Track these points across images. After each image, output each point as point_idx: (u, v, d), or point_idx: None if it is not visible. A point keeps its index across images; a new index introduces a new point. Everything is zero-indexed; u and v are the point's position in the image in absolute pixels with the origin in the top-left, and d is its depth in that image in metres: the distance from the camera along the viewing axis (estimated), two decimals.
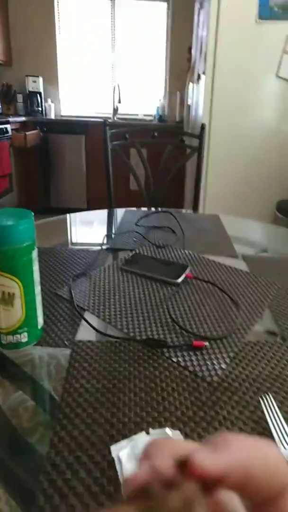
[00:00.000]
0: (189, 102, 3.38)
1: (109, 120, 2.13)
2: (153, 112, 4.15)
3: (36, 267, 0.54)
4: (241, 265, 0.86)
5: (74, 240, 1.02)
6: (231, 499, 0.17)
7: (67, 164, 3.79)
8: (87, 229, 1.16)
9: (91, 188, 3.79)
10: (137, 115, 4.23)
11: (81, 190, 3.81)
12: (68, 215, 1.20)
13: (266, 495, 0.16)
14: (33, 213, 0.53)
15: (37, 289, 0.55)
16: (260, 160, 2.59)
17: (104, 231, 1.11)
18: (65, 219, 1.17)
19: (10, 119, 3.36)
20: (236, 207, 2.62)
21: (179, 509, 0.13)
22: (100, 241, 0.98)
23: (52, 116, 4.00)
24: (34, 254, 0.54)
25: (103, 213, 1.27)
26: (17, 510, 0.34)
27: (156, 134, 1.64)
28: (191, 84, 3.27)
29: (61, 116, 4.16)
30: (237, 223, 1.21)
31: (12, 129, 3.32)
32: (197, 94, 2.90)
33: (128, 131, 1.62)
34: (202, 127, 1.60)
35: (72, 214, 1.21)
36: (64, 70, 4.09)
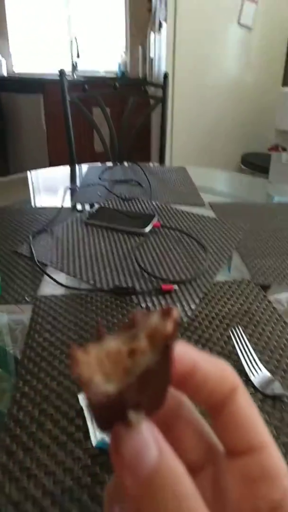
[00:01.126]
0: (151, 55, 3.21)
1: (68, 77, 1.98)
2: (115, 68, 3.92)
3: None
4: (209, 213, 0.83)
5: (34, 198, 0.96)
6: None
7: (25, 126, 3.55)
8: (48, 186, 1.09)
9: (53, 153, 3.60)
10: (98, 72, 3.98)
11: (43, 154, 3.61)
12: (28, 172, 1.12)
13: (217, 398, 0.15)
14: None
15: None
16: (224, 112, 2.52)
17: (62, 189, 1.05)
18: (25, 178, 1.10)
19: None
20: (202, 160, 2.56)
21: (157, 322, 0.13)
22: (58, 199, 0.92)
23: (4, 73, 3.70)
24: None
25: (64, 170, 1.20)
26: None
27: (117, 84, 1.54)
28: (152, 34, 3.08)
29: (14, 72, 3.86)
30: (204, 173, 1.18)
31: None
32: (159, 47, 2.75)
33: (88, 82, 1.51)
34: (165, 75, 1.52)
35: (33, 172, 1.13)
36: (14, 22, 3.75)
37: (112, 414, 0.12)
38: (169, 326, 0.12)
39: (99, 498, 0.28)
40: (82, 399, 0.36)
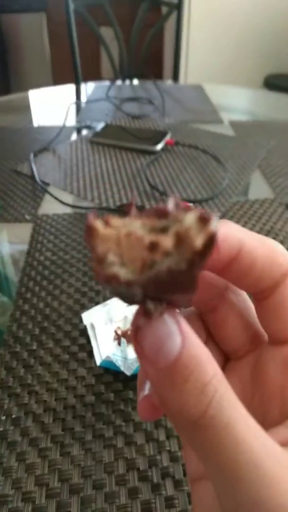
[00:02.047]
0: None
1: None
2: None
3: None
4: (228, 132, 0.74)
5: (35, 117, 0.87)
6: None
7: (28, 47, 3.27)
8: (51, 105, 1.00)
9: (58, 74, 3.34)
10: None
11: (47, 76, 3.35)
12: (29, 91, 1.02)
13: (265, 283, 0.13)
14: None
15: None
16: (248, 25, 2.23)
17: (65, 107, 0.96)
18: (27, 97, 1.00)
19: None
20: (219, 78, 2.33)
21: (191, 226, 0.10)
22: (60, 118, 0.84)
23: None
24: None
25: (69, 88, 1.09)
26: None
27: None
28: None
29: None
30: (222, 91, 1.05)
31: None
32: None
33: None
34: None
35: (34, 91, 1.03)
36: None
37: (123, 297, 0.12)
38: (199, 241, 0.10)
39: (104, 416, 0.26)
40: (85, 317, 0.33)
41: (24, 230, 0.46)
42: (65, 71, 3.26)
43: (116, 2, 1.35)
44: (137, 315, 0.11)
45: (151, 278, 0.10)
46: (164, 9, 1.40)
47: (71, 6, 1.32)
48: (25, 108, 0.91)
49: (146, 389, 0.14)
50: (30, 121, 0.82)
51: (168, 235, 0.10)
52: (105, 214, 0.11)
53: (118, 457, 0.24)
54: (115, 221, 0.11)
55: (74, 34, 1.32)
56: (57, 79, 3.35)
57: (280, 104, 0.95)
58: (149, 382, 0.14)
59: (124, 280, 0.11)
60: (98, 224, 0.11)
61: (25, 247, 0.43)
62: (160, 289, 0.11)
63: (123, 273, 0.11)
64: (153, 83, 1.02)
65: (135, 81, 1.14)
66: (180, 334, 0.11)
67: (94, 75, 3.13)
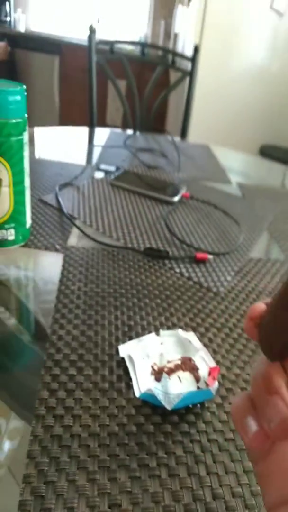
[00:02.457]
0: (177, 30, 3.10)
1: (85, 43, 1.87)
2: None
3: (26, 154, 0.46)
4: (236, 192, 0.82)
5: (49, 153, 0.92)
6: None
7: (37, 85, 3.42)
8: (64, 144, 1.05)
9: (64, 117, 3.49)
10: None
11: (53, 117, 3.50)
12: (37, 128, 1.07)
13: None
14: (24, 86, 0.44)
15: (27, 181, 0.47)
16: (247, 97, 2.47)
17: (85, 147, 1.01)
18: (33, 133, 1.05)
19: None
20: (218, 143, 2.51)
21: None
22: (81, 157, 0.89)
23: (22, 30, 3.54)
24: (25, 137, 0.45)
25: (83, 131, 1.16)
26: (20, 412, 0.30)
27: (146, 50, 1.48)
28: (180, 6, 2.97)
29: (32, 31, 3.69)
30: (227, 153, 1.15)
31: None
32: (186, 21, 2.65)
33: (116, 43, 1.45)
34: (196, 48, 1.47)
35: (45, 128, 1.09)
36: None
37: None
38: None
39: (146, 447, 0.28)
40: (122, 350, 0.35)
41: (52, 259, 0.48)
42: (72, 114, 3.42)
43: (129, 59, 1.48)
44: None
45: None
46: (172, 73, 1.55)
47: (94, 58, 1.44)
48: (30, 144, 0.96)
49: (253, 426, 0.17)
50: (41, 155, 0.87)
51: None
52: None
53: (163, 487, 0.25)
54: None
55: (94, 83, 1.42)
56: (63, 120, 3.49)
57: (277, 172, 1.05)
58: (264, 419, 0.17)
59: None
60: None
61: (53, 274, 0.45)
62: None
63: None
64: (169, 138, 1.10)
65: (148, 134, 1.23)
66: None
67: (99, 122, 3.29)
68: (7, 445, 0.28)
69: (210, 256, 0.53)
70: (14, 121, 0.43)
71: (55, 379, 0.32)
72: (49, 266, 0.47)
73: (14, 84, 0.44)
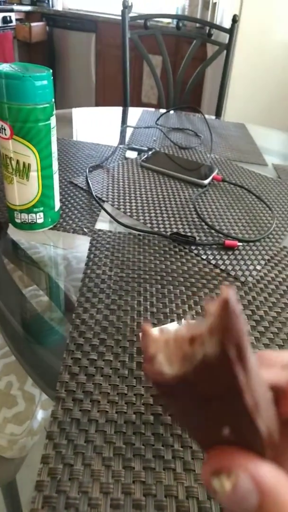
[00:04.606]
0: None
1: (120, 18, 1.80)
2: (172, 13, 3.62)
3: (54, 138, 0.46)
4: (272, 175, 0.78)
5: (84, 134, 0.91)
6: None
7: (74, 64, 3.40)
8: (98, 124, 1.04)
9: (100, 94, 3.46)
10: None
11: (89, 95, 3.48)
12: (74, 109, 1.07)
13: None
14: (51, 70, 0.44)
15: (55, 165, 0.47)
16: None
17: (118, 128, 1.00)
18: (71, 113, 1.04)
19: (14, 7, 2.94)
20: (257, 121, 2.40)
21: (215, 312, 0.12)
22: (114, 137, 0.88)
23: (60, 8, 3.49)
24: (52, 121, 0.45)
25: (116, 111, 1.14)
26: (44, 388, 0.30)
27: (181, 23, 1.42)
28: None
29: (69, 9, 3.64)
30: (264, 133, 1.09)
31: (16, 19, 2.93)
32: None
33: (149, 18, 1.39)
34: (234, 19, 1.38)
35: (80, 109, 1.08)
36: None
37: (169, 394, 0.13)
38: (217, 321, 0.11)
39: (163, 438, 0.27)
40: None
41: (83, 242, 0.48)
42: (108, 91, 3.38)
43: (165, 38, 1.42)
44: (207, 478, 0.13)
45: (190, 369, 0.12)
46: (209, 47, 1.47)
47: (128, 34, 1.40)
48: (68, 125, 0.95)
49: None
50: (74, 136, 0.86)
51: (203, 327, 0.12)
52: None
53: (178, 481, 0.25)
54: (164, 328, 0.13)
55: (128, 61, 1.39)
56: (99, 98, 3.46)
57: None
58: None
59: (167, 374, 0.12)
60: (151, 329, 0.13)
61: (78, 255, 0.45)
62: (198, 378, 0.12)
63: (168, 369, 0.12)
64: (202, 117, 1.06)
65: (181, 112, 1.19)
66: (257, 492, 0.12)
67: (134, 99, 3.24)
68: (40, 415, 0.29)
69: (240, 244, 0.51)
70: (41, 106, 0.42)
71: (76, 362, 0.32)
72: (82, 247, 0.47)
73: (41, 69, 0.43)
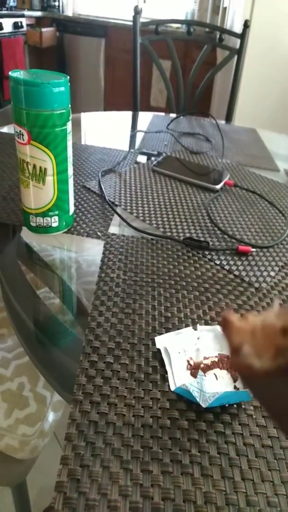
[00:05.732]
0: (225, 4, 2.94)
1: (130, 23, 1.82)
2: (182, 18, 3.64)
3: (70, 143, 0.47)
4: (284, 180, 0.77)
5: (94, 138, 0.92)
6: None
7: (84, 68, 3.43)
8: (108, 129, 1.05)
9: (109, 99, 3.49)
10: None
11: (98, 98, 3.51)
12: (84, 113, 1.08)
13: None
14: (68, 77, 0.44)
15: (70, 170, 0.48)
16: None
17: (128, 132, 1.00)
18: (79, 118, 1.06)
19: (25, 12, 2.98)
20: (266, 126, 2.40)
21: None
22: (124, 142, 0.89)
23: (70, 14, 3.53)
24: (68, 127, 0.46)
25: (126, 115, 1.15)
26: (59, 390, 0.31)
27: (192, 28, 1.43)
28: None
29: (79, 14, 3.67)
30: (276, 138, 1.09)
31: (27, 25, 2.97)
32: None
33: (161, 23, 1.40)
34: (246, 24, 1.38)
35: (89, 113, 1.09)
36: None
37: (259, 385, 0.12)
38: None
39: (180, 443, 0.28)
40: (158, 341, 0.35)
41: (93, 246, 0.49)
42: (116, 95, 3.40)
43: (176, 43, 1.43)
44: None
45: (284, 363, 0.10)
46: (219, 52, 1.47)
47: (139, 40, 1.41)
48: (79, 129, 0.96)
49: None
50: (83, 140, 0.87)
51: None
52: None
53: (196, 486, 0.25)
54: (250, 316, 0.12)
55: (138, 66, 1.40)
56: (108, 102, 3.49)
57: None
58: None
59: (257, 368, 0.11)
60: (234, 318, 0.12)
61: (89, 259, 0.46)
62: None
63: (257, 362, 0.11)
64: (214, 122, 1.06)
65: (192, 117, 1.19)
66: None
67: (143, 104, 3.25)
68: (51, 416, 0.29)
69: (253, 249, 0.51)
70: (58, 112, 0.43)
71: (93, 365, 0.32)
72: (93, 251, 0.48)
73: (58, 75, 0.44)
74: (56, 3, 3.52)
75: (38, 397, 0.44)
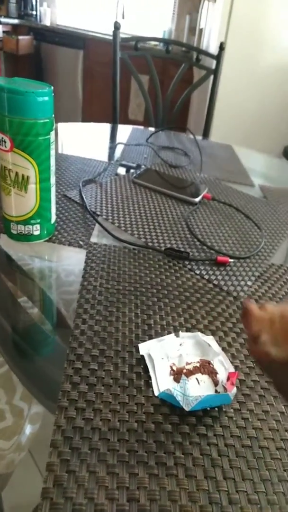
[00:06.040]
0: (201, 25, 3.06)
1: (110, 37, 1.86)
2: (159, 37, 3.75)
3: (53, 152, 0.47)
4: (259, 195, 0.81)
5: (73, 149, 0.93)
6: None
7: (61, 78, 3.45)
8: (88, 140, 1.06)
9: (87, 111, 3.51)
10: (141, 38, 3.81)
11: (76, 110, 3.53)
12: (61, 123, 1.09)
13: None
14: (52, 87, 0.45)
15: (53, 178, 0.48)
16: (272, 99, 2.43)
17: (107, 144, 1.02)
18: (57, 128, 1.06)
19: (2, 19, 2.98)
20: (239, 143, 2.49)
21: None
22: (103, 153, 0.90)
23: (47, 23, 3.56)
24: (51, 136, 0.46)
25: (105, 128, 1.17)
26: (42, 401, 0.31)
27: (170, 47, 1.47)
28: (206, 2, 2.93)
29: (57, 25, 3.71)
30: (251, 154, 1.14)
31: (3, 32, 2.96)
32: (212, 17, 2.62)
33: (140, 40, 1.45)
34: (221, 46, 1.45)
35: (66, 124, 1.10)
36: None
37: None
38: None
39: (164, 446, 0.28)
40: (142, 348, 0.36)
41: (73, 254, 0.49)
42: (94, 108, 3.43)
43: (157, 56, 1.48)
44: None
45: None
46: (196, 70, 1.53)
47: (118, 54, 1.44)
48: (55, 137, 0.97)
49: None
50: (63, 151, 0.88)
51: None
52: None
53: (180, 487, 0.26)
54: (270, 305, 0.13)
55: (118, 79, 1.43)
56: (86, 114, 3.50)
57: None
58: None
59: (274, 356, 0.12)
60: (253, 307, 0.13)
61: (74, 268, 0.46)
62: None
63: (274, 351, 0.12)
64: (192, 137, 1.09)
65: (170, 131, 1.23)
66: None
67: (121, 116, 3.30)
68: (28, 429, 0.29)
69: (231, 260, 0.53)
70: (42, 121, 0.44)
71: (77, 372, 0.33)
72: (71, 260, 0.48)
73: (42, 85, 0.45)
74: (34, 12, 3.53)
75: (15, 410, 0.43)
